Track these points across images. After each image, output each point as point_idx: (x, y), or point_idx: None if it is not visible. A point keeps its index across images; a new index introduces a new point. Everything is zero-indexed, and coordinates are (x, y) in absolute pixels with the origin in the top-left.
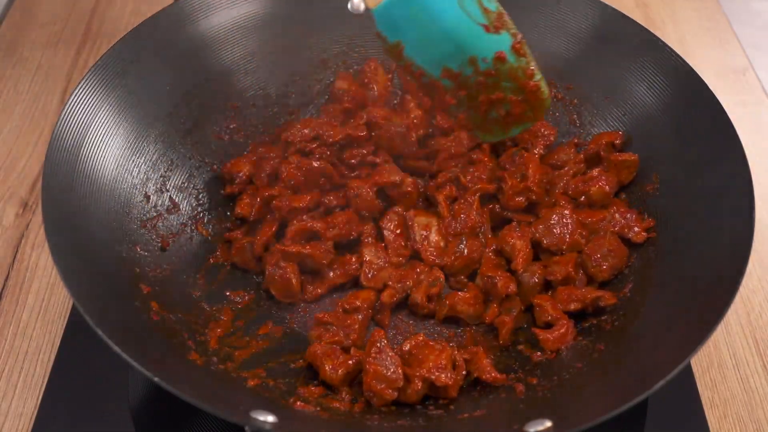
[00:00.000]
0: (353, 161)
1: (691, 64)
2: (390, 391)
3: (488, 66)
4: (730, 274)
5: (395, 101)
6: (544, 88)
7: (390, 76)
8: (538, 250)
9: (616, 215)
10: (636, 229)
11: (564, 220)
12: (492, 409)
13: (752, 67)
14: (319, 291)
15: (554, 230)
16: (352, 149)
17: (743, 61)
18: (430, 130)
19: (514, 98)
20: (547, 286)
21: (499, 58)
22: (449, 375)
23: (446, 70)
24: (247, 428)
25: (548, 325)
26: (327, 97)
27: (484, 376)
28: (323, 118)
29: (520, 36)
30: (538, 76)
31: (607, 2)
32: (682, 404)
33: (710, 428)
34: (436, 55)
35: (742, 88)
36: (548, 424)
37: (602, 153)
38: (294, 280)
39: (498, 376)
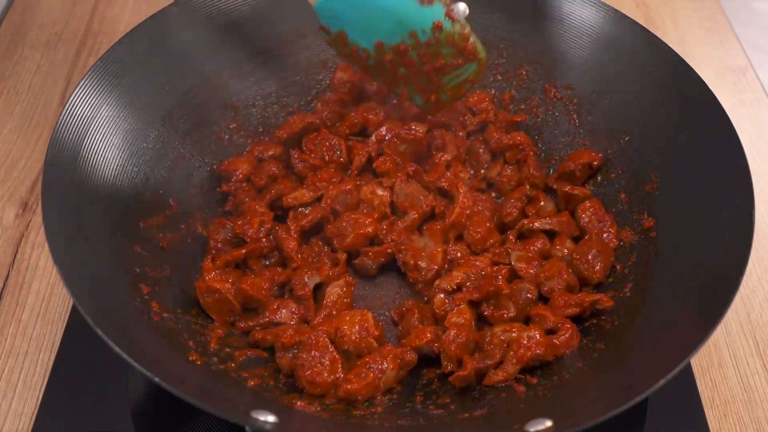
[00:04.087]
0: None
1: (691, 64)
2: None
3: (428, 36)
4: (730, 274)
5: (394, 101)
6: (480, 47)
7: None
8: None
9: (593, 217)
10: (606, 235)
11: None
12: (492, 409)
13: (752, 66)
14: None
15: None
16: None
17: (743, 61)
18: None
19: (455, 62)
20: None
21: (437, 27)
22: None
23: (390, 47)
24: (247, 428)
25: (550, 332)
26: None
27: None
28: (320, 108)
29: (449, 1)
30: (473, 38)
31: (607, 2)
32: (682, 404)
33: (710, 428)
34: (379, 34)
35: (742, 88)
36: (548, 423)
37: (578, 173)
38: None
39: None
